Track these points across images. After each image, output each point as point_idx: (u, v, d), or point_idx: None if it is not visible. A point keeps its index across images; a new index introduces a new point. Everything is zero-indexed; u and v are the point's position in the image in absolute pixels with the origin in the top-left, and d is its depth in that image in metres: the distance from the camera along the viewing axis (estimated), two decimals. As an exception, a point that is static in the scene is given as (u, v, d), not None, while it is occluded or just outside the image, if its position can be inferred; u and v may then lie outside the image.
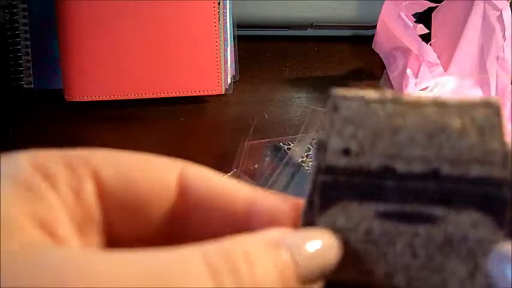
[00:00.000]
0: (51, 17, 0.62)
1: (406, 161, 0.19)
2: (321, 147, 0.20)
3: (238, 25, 0.65)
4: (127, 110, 0.64)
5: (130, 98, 0.62)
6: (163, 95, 0.63)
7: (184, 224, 0.20)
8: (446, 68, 0.59)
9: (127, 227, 0.19)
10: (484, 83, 0.56)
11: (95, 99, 0.62)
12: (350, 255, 0.19)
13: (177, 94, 0.63)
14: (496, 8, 0.57)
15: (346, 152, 0.19)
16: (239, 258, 0.16)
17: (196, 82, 0.63)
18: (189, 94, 0.63)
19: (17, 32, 0.64)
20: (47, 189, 0.18)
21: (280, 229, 0.18)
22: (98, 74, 0.61)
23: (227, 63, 0.64)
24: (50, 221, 0.17)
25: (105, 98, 0.62)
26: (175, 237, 0.19)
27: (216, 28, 0.62)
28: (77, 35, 0.60)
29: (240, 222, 0.19)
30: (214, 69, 0.63)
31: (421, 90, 0.57)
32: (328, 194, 0.19)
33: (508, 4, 0.57)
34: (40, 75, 0.65)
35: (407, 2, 0.59)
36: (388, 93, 0.20)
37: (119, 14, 0.60)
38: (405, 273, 0.19)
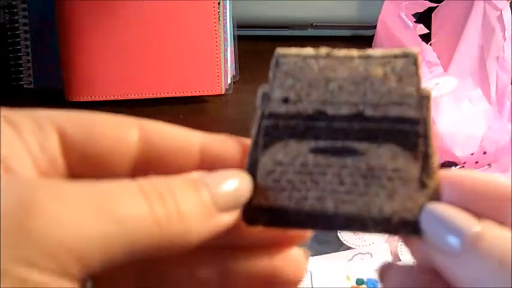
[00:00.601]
0: (51, 17, 0.62)
1: (336, 106, 0.22)
2: (265, 98, 0.23)
3: (238, 25, 0.65)
4: (127, 110, 0.64)
5: (130, 98, 0.63)
6: (163, 95, 0.63)
7: (145, 175, 0.21)
8: (446, 68, 0.59)
9: (91, 178, 0.21)
10: (484, 83, 0.56)
11: (95, 99, 0.62)
12: (287, 184, 0.22)
13: (177, 94, 0.63)
14: (496, 8, 0.57)
15: (286, 100, 0.23)
16: (165, 190, 0.19)
17: (196, 82, 0.63)
18: (189, 94, 0.63)
19: (17, 32, 0.64)
20: (13, 136, 0.19)
21: (200, 172, 0.21)
22: (98, 74, 0.61)
23: (227, 63, 0.64)
24: (14, 163, 0.19)
25: (105, 98, 0.62)
26: None
27: (216, 28, 0.62)
28: (77, 35, 0.61)
29: (197, 167, 0.22)
30: (214, 69, 0.63)
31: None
32: (270, 135, 0.22)
33: (508, 4, 0.57)
34: (40, 75, 0.65)
35: (407, 2, 0.60)
36: (322, 50, 0.23)
37: (119, 14, 0.60)
38: (334, 198, 0.22)
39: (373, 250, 0.48)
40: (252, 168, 0.22)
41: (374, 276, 0.47)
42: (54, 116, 0.21)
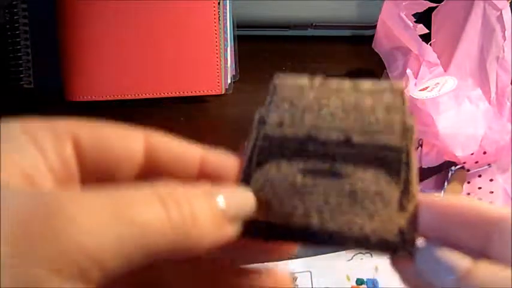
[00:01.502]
0: (51, 17, 0.62)
1: (326, 131, 0.24)
2: (261, 121, 0.25)
3: (238, 25, 0.65)
4: (127, 110, 0.64)
5: (131, 98, 0.63)
6: (163, 95, 0.63)
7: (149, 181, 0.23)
8: (446, 68, 0.59)
9: (101, 183, 0.22)
10: (484, 83, 0.56)
11: (95, 99, 0.62)
12: (276, 201, 0.23)
13: (177, 94, 0.63)
14: (496, 8, 0.57)
15: (281, 124, 0.24)
16: (181, 196, 0.20)
17: (196, 82, 0.63)
18: (189, 94, 0.63)
19: (17, 32, 0.64)
20: (32, 147, 0.21)
21: (211, 184, 0.23)
22: (98, 74, 0.61)
23: (227, 63, 0.64)
24: (32, 173, 0.20)
25: (105, 98, 0.62)
26: None
27: (216, 28, 0.62)
28: (77, 35, 0.61)
29: (196, 177, 0.24)
30: (214, 69, 0.63)
31: (421, 90, 0.57)
32: (264, 155, 0.24)
33: (508, 4, 0.57)
34: (40, 75, 0.65)
35: (407, 2, 0.59)
36: (317, 80, 0.25)
37: (119, 14, 0.60)
38: (319, 215, 0.23)
39: (373, 250, 0.48)
40: (244, 183, 0.24)
41: (374, 276, 0.47)
42: (69, 125, 0.22)
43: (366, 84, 0.24)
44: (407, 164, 0.23)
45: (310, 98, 0.24)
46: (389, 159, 0.23)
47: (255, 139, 0.25)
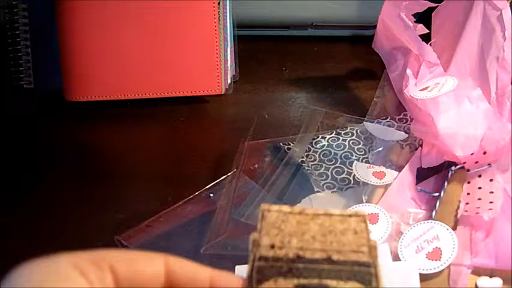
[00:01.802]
0: (51, 17, 0.62)
1: (311, 251, 0.29)
2: (255, 243, 0.29)
3: (238, 25, 0.65)
4: (127, 110, 0.64)
5: (130, 98, 0.63)
6: (163, 95, 0.63)
7: None
8: (446, 68, 0.59)
9: None
10: (484, 83, 0.56)
11: (95, 99, 0.62)
12: None
13: (177, 94, 0.63)
14: (496, 8, 0.57)
15: (272, 246, 0.29)
16: None
17: (196, 82, 0.63)
18: (189, 94, 0.63)
19: (17, 32, 0.64)
20: (82, 280, 0.26)
21: None
22: (98, 74, 0.61)
23: (227, 63, 0.64)
24: None
25: (105, 98, 0.62)
26: None
27: (216, 28, 0.62)
28: (77, 35, 0.61)
29: None
30: (214, 69, 0.63)
31: (421, 90, 0.57)
32: (261, 274, 0.28)
33: (508, 4, 0.57)
34: (40, 75, 0.65)
35: (407, 2, 0.59)
36: (296, 209, 0.30)
37: (119, 14, 0.60)
38: None
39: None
40: None
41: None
42: (107, 257, 0.27)
43: (336, 212, 0.30)
44: (376, 276, 0.28)
45: (294, 224, 0.30)
46: (362, 273, 0.28)
47: (252, 260, 0.29)
